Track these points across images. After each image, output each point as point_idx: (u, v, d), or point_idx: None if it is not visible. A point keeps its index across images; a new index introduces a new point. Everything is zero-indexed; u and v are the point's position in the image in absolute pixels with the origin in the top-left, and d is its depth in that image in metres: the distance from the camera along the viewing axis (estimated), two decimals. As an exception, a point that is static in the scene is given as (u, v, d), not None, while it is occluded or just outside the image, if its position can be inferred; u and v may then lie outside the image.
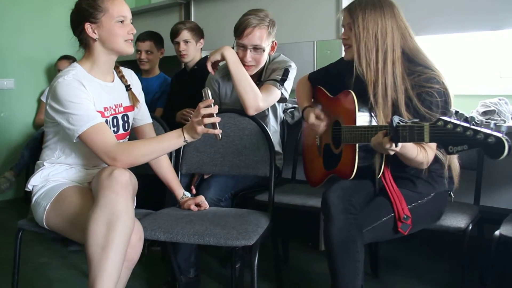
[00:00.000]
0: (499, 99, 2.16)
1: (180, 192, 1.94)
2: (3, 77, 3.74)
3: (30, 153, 3.39)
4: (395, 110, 1.56)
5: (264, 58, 2.16)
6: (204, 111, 1.57)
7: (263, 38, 2.09)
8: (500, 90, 2.42)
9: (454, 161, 1.65)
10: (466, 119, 1.13)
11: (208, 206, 1.91)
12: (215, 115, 1.58)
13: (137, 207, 1.75)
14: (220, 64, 2.23)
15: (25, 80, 3.83)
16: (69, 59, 3.60)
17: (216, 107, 1.59)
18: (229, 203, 2.17)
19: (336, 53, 2.56)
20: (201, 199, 1.92)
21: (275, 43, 2.20)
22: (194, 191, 2.17)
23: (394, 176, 1.66)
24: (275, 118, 2.29)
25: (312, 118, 1.82)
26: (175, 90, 2.92)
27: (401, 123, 1.32)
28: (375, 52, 1.59)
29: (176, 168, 2.07)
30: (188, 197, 1.95)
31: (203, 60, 2.80)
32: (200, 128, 1.59)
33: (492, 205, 2.12)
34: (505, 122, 2.04)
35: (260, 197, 2.17)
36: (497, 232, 1.66)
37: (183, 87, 2.83)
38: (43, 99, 3.75)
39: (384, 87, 1.58)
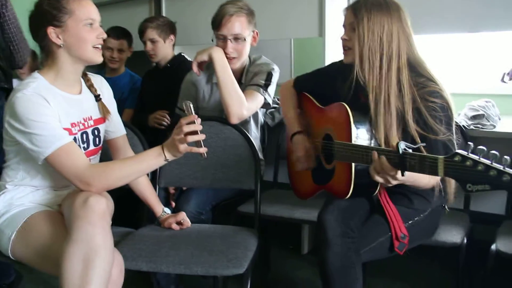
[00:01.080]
0: (486, 101, 2.10)
1: (159, 209, 1.80)
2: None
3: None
4: (399, 120, 1.47)
5: (247, 49, 2.03)
6: (187, 128, 1.43)
7: (243, 26, 1.97)
8: (482, 89, 2.41)
9: None
10: (486, 155, 1.04)
11: (190, 223, 1.79)
12: (199, 131, 1.44)
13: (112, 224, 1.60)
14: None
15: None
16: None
17: (199, 120, 1.44)
18: (209, 215, 2.06)
19: (318, 51, 2.44)
20: (183, 216, 1.79)
21: (257, 33, 2.07)
22: (173, 204, 2.04)
23: (389, 192, 1.57)
24: (255, 123, 2.17)
25: (300, 153, 1.71)
26: (146, 90, 2.73)
27: (408, 150, 1.23)
28: (379, 57, 1.47)
29: (154, 181, 1.92)
30: (168, 214, 1.81)
31: (177, 58, 2.66)
32: (183, 147, 1.45)
33: (482, 211, 2.08)
34: (494, 127, 1.99)
35: (242, 208, 2.06)
36: (493, 247, 1.62)
37: (156, 86, 2.65)
38: None
39: (387, 95, 1.46)
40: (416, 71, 1.50)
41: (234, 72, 2.00)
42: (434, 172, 1.16)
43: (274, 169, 2.43)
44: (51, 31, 1.48)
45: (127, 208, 2.20)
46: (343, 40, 1.58)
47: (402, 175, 1.26)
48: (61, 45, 1.50)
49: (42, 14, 1.49)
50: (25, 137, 1.44)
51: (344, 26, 1.58)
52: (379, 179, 1.33)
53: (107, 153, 1.79)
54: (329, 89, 1.67)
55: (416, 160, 1.20)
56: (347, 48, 1.57)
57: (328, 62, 2.38)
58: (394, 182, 1.32)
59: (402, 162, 1.24)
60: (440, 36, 2.49)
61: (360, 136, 1.50)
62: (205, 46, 2.01)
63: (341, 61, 1.66)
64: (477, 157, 1.07)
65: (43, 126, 1.43)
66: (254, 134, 2.14)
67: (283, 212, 2.00)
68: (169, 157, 1.48)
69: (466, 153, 1.09)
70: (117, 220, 1.76)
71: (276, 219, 1.99)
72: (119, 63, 2.87)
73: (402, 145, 1.23)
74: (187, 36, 2.84)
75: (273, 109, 2.52)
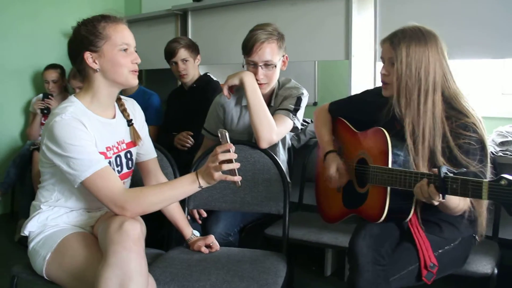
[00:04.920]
0: (514, 127, 2.10)
1: (188, 231, 1.82)
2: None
3: (17, 171, 3.20)
4: (431, 155, 1.47)
5: (277, 74, 2.03)
6: (222, 157, 1.45)
7: (273, 52, 1.97)
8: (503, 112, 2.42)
9: (483, 206, 1.56)
10: None
11: (219, 247, 1.80)
12: (234, 160, 1.46)
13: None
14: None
15: (9, 91, 3.58)
16: (56, 68, 3.39)
17: (233, 148, 1.45)
18: (237, 237, 2.08)
19: (342, 73, 2.46)
20: (212, 239, 1.80)
21: (286, 57, 2.08)
22: (204, 213, 2.09)
23: (420, 220, 1.57)
24: (283, 146, 2.18)
25: (333, 170, 1.73)
26: (172, 110, 2.76)
27: (449, 174, 1.24)
28: (416, 91, 1.48)
29: (183, 203, 1.94)
30: (197, 237, 1.83)
31: (203, 78, 2.69)
32: (218, 175, 1.47)
33: (510, 238, 2.06)
34: (524, 154, 1.98)
35: (270, 231, 2.08)
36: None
37: (182, 106, 2.69)
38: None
39: (422, 130, 1.47)
40: (450, 104, 1.50)
41: (263, 95, 2.02)
42: (477, 195, 1.17)
43: (300, 190, 2.44)
44: (88, 56, 1.53)
45: (152, 228, 2.23)
46: (382, 75, 1.58)
47: (443, 198, 1.28)
48: (97, 70, 1.54)
49: (80, 40, 1.54)
50: (62, 160, 1.47)
51: (382, 58, 1.59)
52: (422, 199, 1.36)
53: (136, 174, 1.82)
54: (365, 115, 1.69)
55: (458, 184, 1.22)
56: (386, 82, 1.57)
57: (354, 84, 2.40)
58: (436, 203, 1.34)
59: (443, 186, 1.25)
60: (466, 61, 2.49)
61: (397, 161, 1.51)
62: (234, 66, 2.01)
63: (375, 89, 1.67)
64: None
65: (81, 150, 1.46)
66: (282, 157, 2.16)
67: (311, 236, 2.01)
68: (203, 184, 1.50)
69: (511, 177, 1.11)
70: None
71: (303, 243, 2.00)
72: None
73: (444, 169, 1.25)
74: (211, 55, 2.87)
75: (298, 131, 2.54)
